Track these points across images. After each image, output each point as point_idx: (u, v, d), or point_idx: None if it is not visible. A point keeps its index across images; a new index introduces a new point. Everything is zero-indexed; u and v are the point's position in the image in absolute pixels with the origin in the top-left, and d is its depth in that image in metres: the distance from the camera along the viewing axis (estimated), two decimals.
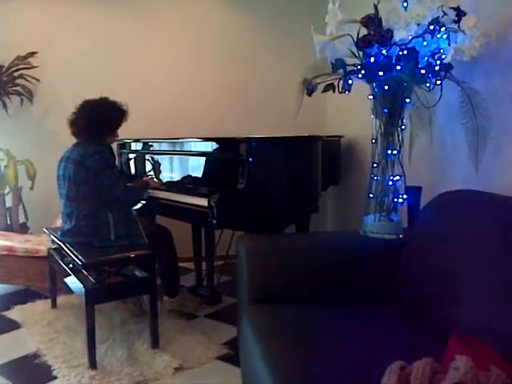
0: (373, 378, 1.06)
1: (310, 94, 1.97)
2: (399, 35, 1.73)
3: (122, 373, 2.12)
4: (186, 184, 2.82)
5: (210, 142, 2.71)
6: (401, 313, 1.68)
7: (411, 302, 1.70)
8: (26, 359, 2.31)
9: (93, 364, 2.16)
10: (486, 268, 1.38)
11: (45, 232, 2.94)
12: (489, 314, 1.29)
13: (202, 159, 2.73)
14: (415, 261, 1.76)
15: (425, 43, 1.74)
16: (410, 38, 1.72)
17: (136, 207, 2.85)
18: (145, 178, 3.07)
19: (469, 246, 1.50)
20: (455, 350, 1.04)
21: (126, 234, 2.50)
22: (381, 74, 1.81)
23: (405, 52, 1.75)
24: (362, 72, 1.85)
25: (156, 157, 3.15)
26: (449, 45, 1.74)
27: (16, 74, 3.51)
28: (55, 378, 2.13)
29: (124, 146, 3.46)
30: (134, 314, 2.72)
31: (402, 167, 1.95)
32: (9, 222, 3.57)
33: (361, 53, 1.85)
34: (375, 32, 1.75)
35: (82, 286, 2.24)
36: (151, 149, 3.22)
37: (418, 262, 1.74)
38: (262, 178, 2.40)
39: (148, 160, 3.24)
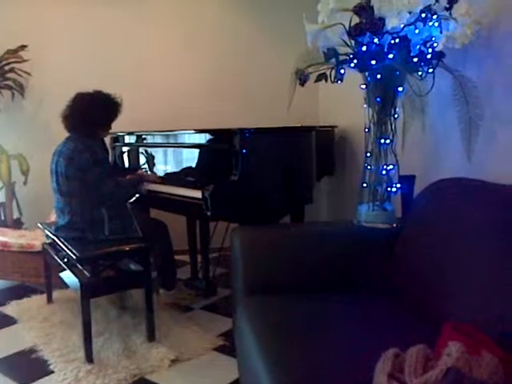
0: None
1: (302, 83, 1.96)
2: (391, 23, 1.73)
3: (119, 366, 2.12)
4: (180, 176, 2.81)
5: (203, 134, 2.70)
6: (395, 301, 1.68)
7: (405, 290, 1.70)
8: (23, 354, 2.31)
9: (89, 358, 2.16)
10: (480, 255, 1.39)
11: (39, 227, 2.93)
12: (483, 301, 1.30)
13: (196, 151, 2.73)
14: (409, 249, 1.77)
15: (417, 31, 1.74)
16: (401, 26, 1.72)
17: (130, 200, 2.84)
18: (139, 172, 3.04)
19: (462, 233, 1.51)
20: (448, 336, 1.04)
21: (121, 227, 2.49)
22: (373, 62, 1.81)
23: (397, 40, 1.75)
24: (355, 61, 1.85)
25: (150, 149, 3.14)
26: (440, 32, 1.73)
27: (6, 67, 3.47)
28: (52, 372, 2.13)
29: (117, 139, 3.44)
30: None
31: (396, 156, 1.95)
32: (2, 218, 3.56)
33: (353, 42, 1.84)
34: (367, 20, 1.74)
35: (77, 280, 2.23)
36: (145, 142, 3.20)
37: (412, 250, 1.74)
38: (256, 170, 2.40)
39: (142, 153, 3.22)
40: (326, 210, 3.95)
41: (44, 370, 2.15)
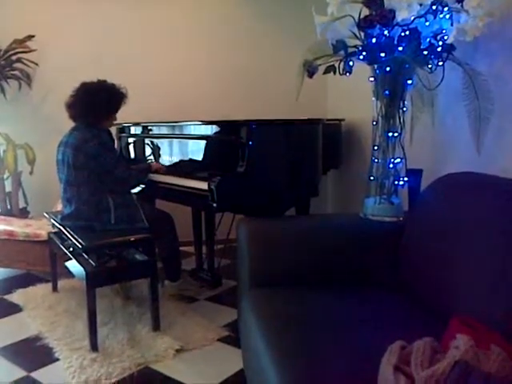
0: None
1: (310, 75, 1.95)
2: (401, 15, 1.71)
3: (124, 355, 2.13)
4: (186, 167, 2.81)
5: (210, 126, 2.69)
6: (401, 295, 1.68)
7: (412, 284, 1.70)
8: (28, 342, 2.33)
9: (94, 346, 2.17)
10: (487, 250, 1.38)
11: (45, 216, 2.94)
12: (491, 296, 1.29)
13: (202, 143, 2.72)
14: (416, 243, 1.76)
15: (427, 24, 1.72)
16: (412, 18, 1.71)
17: (135, 191, 2.85)
18: (149, 163, 3.05)
19: (469, 228, 1.49)
20: (456, 329, 1.04)
21: (127, 217, 2.50)
22: (382, 55, 1.79)
23: (407, 33, 1.74)
24: (364, 53, 1.84)
25: (156, 141, 3.14)
26: (451, 25, 1.71)
27: (14, 57, 3.47)
28: (57, 359, 2.14)
29: (123, 129, 3.44)
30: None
31: (403, 149, 1.94)
32: (9, 207, 3.57)
33: (362, 34, 1.83)
34: (377, 12, 1.73)
35: (82, 269, 2.24)
36: (151, 133, 3.20)
37: (419, 244, 1.74)
38: (262, 162, 2.39)
39: (148, 144, 3.22)
40: (333, 203, 3.95)
41: (49, 357, 2.17)
